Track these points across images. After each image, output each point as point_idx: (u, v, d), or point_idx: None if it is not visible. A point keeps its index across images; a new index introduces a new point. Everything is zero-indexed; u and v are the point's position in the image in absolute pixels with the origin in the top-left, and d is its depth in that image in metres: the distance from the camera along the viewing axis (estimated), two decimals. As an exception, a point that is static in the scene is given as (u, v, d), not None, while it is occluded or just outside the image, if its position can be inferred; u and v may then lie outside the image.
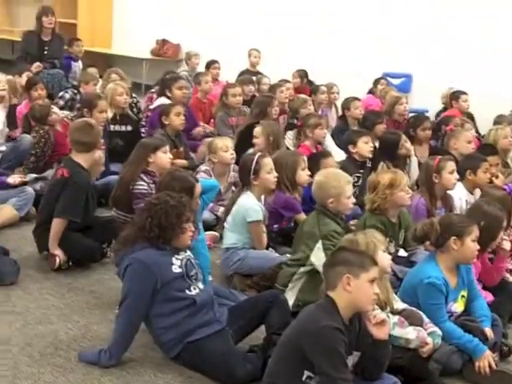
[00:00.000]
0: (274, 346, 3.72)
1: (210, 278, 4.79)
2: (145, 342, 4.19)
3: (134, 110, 8.73)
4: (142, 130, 8.11)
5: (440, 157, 5.97)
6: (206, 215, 5.96)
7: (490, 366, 4.17)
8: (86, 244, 5.37)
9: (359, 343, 3.62)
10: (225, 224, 5.50)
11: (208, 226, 5.91)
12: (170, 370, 4.03)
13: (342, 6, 11.71)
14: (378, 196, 5.10)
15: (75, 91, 8.81)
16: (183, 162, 7.13)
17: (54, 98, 8.87)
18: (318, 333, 3.36)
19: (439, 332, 4.10)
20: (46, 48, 10.31)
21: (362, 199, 5.49)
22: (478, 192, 6.16)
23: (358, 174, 6.68)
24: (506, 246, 4.98)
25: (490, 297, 4.85)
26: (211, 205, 6.14)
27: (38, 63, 9.80)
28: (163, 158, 5.85)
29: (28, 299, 4.80)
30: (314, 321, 3.42)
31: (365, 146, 6.86)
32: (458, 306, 4.43)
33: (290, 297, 4.60)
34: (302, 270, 4.78)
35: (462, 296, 4.45)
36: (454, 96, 9.39)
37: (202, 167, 6.64)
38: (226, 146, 6.54)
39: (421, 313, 4.17)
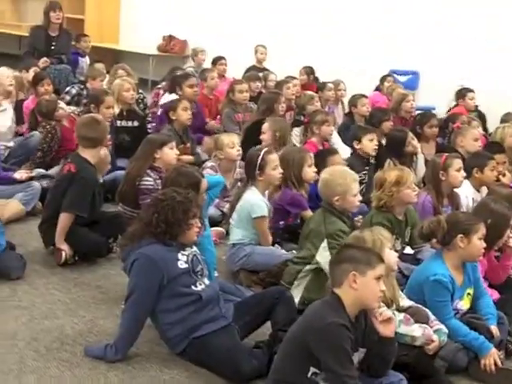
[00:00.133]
0: (280, 342, 3.72)
1: (216, 274, 4.80)
2: (151, 337, 4.20)
3: (141, 105, 8.74)
4: (149, 125, 8.12)
5: (447, 154, 5.94)
6: (212, 211, 5.96)
7: (495, 364, 4.17)
8: (92, 239, 5.37)
9: (365, 340, 3.62)
10: (230, 220, 5.50)
11: (214, 222, 5.92)
12: (175, 365, 4.03)
13: (348, 4, 11.71)
14: (385, 193, 5.09)
15: (82, 86, 8.80)
16: (189, 157, 7.14)
17: (60, 93, 8.86)
18: (324, 329, 3.36)
19: (445, 329, 4.10)
20: (53, 43, 10.29)
21: (369, 196, 5.49)
22: (484, 190, 6.15)
23: (365, 172, 6.66)
24: (513, 243, 4.97)
25: (495, 295, 4.84)
26: (217, 201, 6.14)
27: (45, 58, 9.78)
28: (169, 153, 5.84)
29: (34, 294, 4.81)
30: (320, 317, 3.41)
31: (369, 144, 6.85)
32: (463, 304, 4.42)
33: (296, 295, 4.59)
34: (307, 267, 4.78)
35: (468, 294, 4.45)
36: (461, 94, 9.35)
37: (208, 163, 6.64)
38: (232, 142, 6.53)
39: (427, 310, 4.18)
